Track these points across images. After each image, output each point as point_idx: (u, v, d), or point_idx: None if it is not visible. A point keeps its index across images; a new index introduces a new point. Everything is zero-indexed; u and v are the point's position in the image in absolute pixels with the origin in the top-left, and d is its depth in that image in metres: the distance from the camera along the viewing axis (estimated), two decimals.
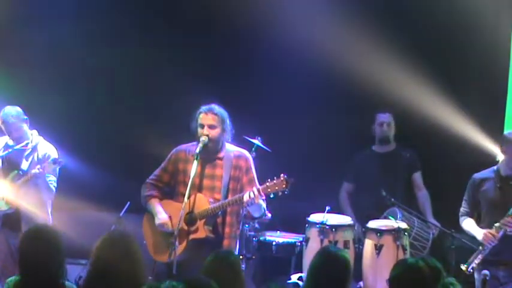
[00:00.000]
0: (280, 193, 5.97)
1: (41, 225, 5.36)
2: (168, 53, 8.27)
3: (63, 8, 8.31)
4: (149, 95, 8.35)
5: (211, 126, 6.16)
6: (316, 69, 7.96)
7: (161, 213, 6.22)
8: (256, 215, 6.23)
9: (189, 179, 6.05)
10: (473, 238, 6.56)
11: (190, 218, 6.05)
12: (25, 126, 6.82)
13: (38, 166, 6.65)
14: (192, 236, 6.04)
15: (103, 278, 4.45)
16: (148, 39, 8.24)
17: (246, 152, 6.34)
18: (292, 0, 8.15)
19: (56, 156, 6.82)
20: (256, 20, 7.90)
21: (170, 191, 6.37)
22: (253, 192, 5.96)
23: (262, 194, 5.99)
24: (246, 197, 5.98)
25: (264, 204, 6.19)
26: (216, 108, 6.20)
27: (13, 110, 6.79)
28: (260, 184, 6.05)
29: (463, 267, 6.22)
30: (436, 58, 8.00)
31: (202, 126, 6.17)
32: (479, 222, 6.46)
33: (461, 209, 6.57)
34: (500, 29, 7.80)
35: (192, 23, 8.37)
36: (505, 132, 6.59)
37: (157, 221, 6.20)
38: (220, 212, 6.15)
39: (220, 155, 6.23)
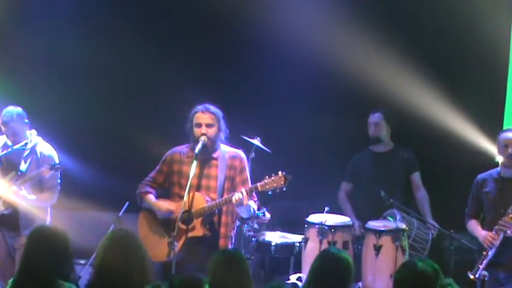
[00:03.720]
0: (278, 190, 6.01)
1: (47, 225, 5.38)
2: (167, 53, 8.27)
3: (60, 9, 8.31)
4: (149, 95, 8.36)
5: (208, 125, 6.19)
6: (316, 69, 7.97)
7: (162, 202, 6.24)
8: (244, 215, 6.26)
9: (184, 180, 6.10)
10: (472, 239, 6.58)
11: (188, 217, 6.05)
12: (26, 129, 6.78)
13: (35, 173, 6.61)
14: (189, 234, 6.05)
15: (108, 279, 4.44)
16: (148, 40, 8.24)
17: (241, 153, 6.37)
18: (291, 1, 8.15)
19: (56, 158, 6.80)
20: (256, 20, 7.90)
21: (164, 193, 6.38)
22: (242, 193, 5.99)
23: (259, 190, 6.02)
24: (235, 198, 6.00)
25: (254, 206, 6.23)
26: (212, 107, 6.24)
27: (14, 111, 6.75)
28: (258, 182, 6.06)
29: (471, 276, 6.21)
30: (435, 58, 8.00)
31: (200, 125, 6.19)
32: (484, 223, 6.47)
33: (466, 210, 6.60)
34: (500, 28, 7.79)
35: (191, 22, 8.37)
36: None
37: (162, 208, 6.20)
38: (216, 211, 6.17)
39: (216, 155, 6.26)
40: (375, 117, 7.60)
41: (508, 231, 6.20)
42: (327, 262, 4.77)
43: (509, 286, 6.26)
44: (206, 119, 6.20)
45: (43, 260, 4.53)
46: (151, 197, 6.33)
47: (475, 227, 6.47)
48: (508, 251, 6.22)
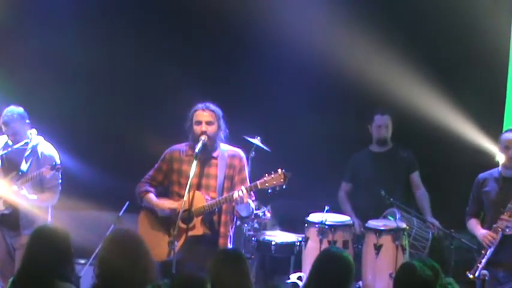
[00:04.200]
0: (277, 188, 6.01)
1: (49, 225, 5.38)
2: (167, 53, 8.27)
3: (60, 9, 8.30)
4: (148, 95, 8.36)
5: (208, 123, 6.19)
6: (316, 69, 7.97)
7: (163, 201, 6.24)
8: (243, 214, 6.25)
9: (184, 179, 6.10)
10: (472, 238, 6.58)
11: (188, 216, 6.05)
12: (26, 129, 6.77)
13: (35, 173, 6.62)
14: (189, 233, 6.05)
15: (109, 280, 4.43)
16: (147, 40, 8.24)
17: (240, 152, 6.37)
18: (292, 1, 8.15)
19: (57, 157, 6.79)
20: (256, 20, 7.90)
21: (164, 191, 6.38)
22: (242, 191, 5.98)
23: (258, 188, 6.02)
24: (235, 195, 6.00)
25: (252, 204, 6.23)
26: (212, 105, 6.24)
27: (15, 111, 6.74)
28: (257, 180, 6.06)
29: (470, 275, 6.20)
30: (435, 58, 8.00)
31: (200, 123, 6.19)
32: (484, 222, 6.47)
33: (467, 209, 6.60)
34: (500, 28, 7.79)
35: (190, 22, 8.37)
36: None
37: (164, 206, 6.19)
38: (216, 210, 6.17)
39: (215, 154, 6.26)
40: (385, 119, 7.57)
41: (507, 230, 6.20)
42: (327, 261, 4.77)
43: (508, 285, 6.25)
44: (206, 116, 6.20)
45: (44, 259, 4.52)
46: (152, 197, 6.32)
47: (474, 226, 6.48)
48: (507, 249, 6.21)
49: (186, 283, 4.24)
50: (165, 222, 6.25)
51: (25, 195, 6.64)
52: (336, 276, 4.69)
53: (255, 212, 6.77)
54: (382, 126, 7.59)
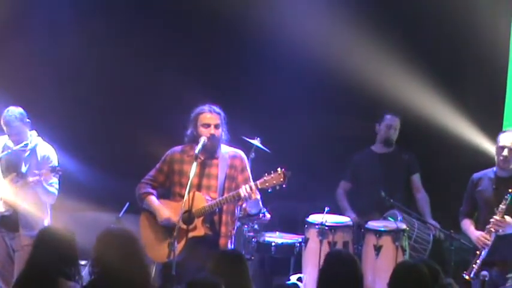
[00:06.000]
0: (278, 187, 6.00)
1: (55, 227, 5.39)
2: (167, 54, 8.27)
3: (60, 9, 8.31)
4: (148, 96, 8.35)
5: (217, 126, 6.19)
6: (316, 69, 7.97)
7: (163, 209, 6.22)
8: (253, 211, 6.22)
9: (185, 179, 6.07)
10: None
11: (188, 217, 6.05)
12: (26, 129, 6.78)
13: (37, 177, 6.60)
14: (190, 234, 6.04)
15: (108, 280, 4.42)
16: (148, 40, 8.25)
17: (241, 152, 6.37)
18: (292, 0, 8.15)
19: (55, 159, 6.79)
20: (256, 19, 7.91)
21: (165, 192, 6.37)
22: (250, 187, 5.98)
23: (259, 188, 6.02)
24: (242, 192, 5.99)
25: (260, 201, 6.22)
26: (216, 107, 6.23)
27: (16, 111, 6.75)
28: (257, 179, 6.06)
29: (466, 276, 6.20)
30: (435, 58, 8.00)
31: (208, 126, 6.17)
32: (477, 222, 6.46)
33: (461, 209, 6.59)
34: (500, 28, 7.79)
35: (190, 23, 8.37)
36: None
37: (161, 216, 6.18)
38: (217, 210, 6.16)
39: (216, 154, 6.25)
40: (396, 121, 7.58)
41: (500, 230, 6.20)
42: (338, 263, 4.69)
43: (507, 286, 6.26)
44: (215, 119, 6.19)
45: (49, 260, 4.54)
46: (153, 200, 6.29)
47: (468, 226, 6.48)
48: (500, 249, 6.22)
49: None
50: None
51: (24, 196, 6.65)
52: (348, 277, 4.60)
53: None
54: (392, 126, 7.59)
